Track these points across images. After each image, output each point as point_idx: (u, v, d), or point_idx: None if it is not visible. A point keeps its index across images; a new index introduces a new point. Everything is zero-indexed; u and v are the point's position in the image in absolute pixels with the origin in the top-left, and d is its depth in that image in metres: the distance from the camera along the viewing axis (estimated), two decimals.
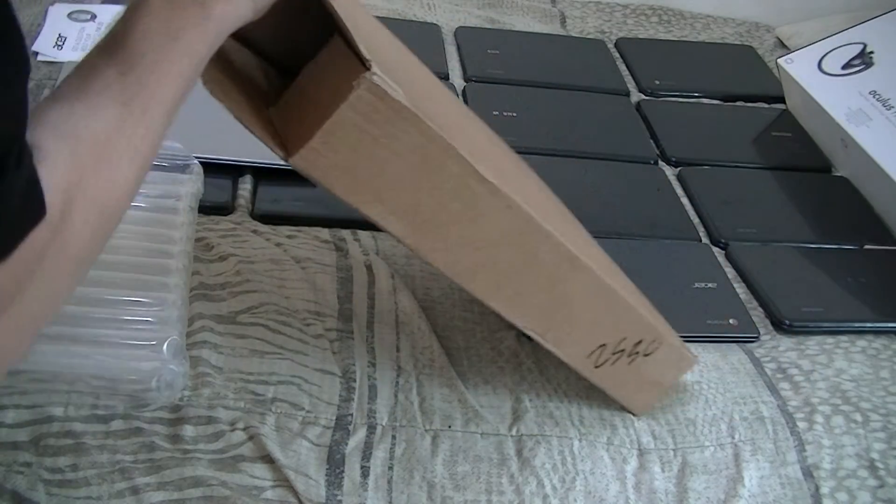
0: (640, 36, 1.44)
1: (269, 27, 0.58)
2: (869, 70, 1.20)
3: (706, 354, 0.86)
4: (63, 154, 0.45)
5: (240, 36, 0.58)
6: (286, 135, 0.59)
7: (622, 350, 0.75)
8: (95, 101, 0.47)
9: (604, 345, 0.74)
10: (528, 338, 0.75)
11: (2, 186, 0.39)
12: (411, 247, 0.65)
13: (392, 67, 0.66)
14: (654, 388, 0.79)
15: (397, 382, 0.78)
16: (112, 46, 0.50)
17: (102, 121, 0.47)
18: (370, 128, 0.56)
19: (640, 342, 0.75)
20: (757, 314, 0.94)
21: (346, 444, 0.73)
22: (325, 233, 0.93)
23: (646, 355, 0.76)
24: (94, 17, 1.17)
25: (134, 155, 0.48)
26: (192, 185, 0.88)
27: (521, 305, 0.71)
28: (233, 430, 0.71)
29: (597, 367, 0.75)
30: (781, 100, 1.30)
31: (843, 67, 1.21)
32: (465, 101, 1.19)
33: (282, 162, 0.59)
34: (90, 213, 0.46)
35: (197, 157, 0.90)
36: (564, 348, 0.74)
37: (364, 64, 0.54)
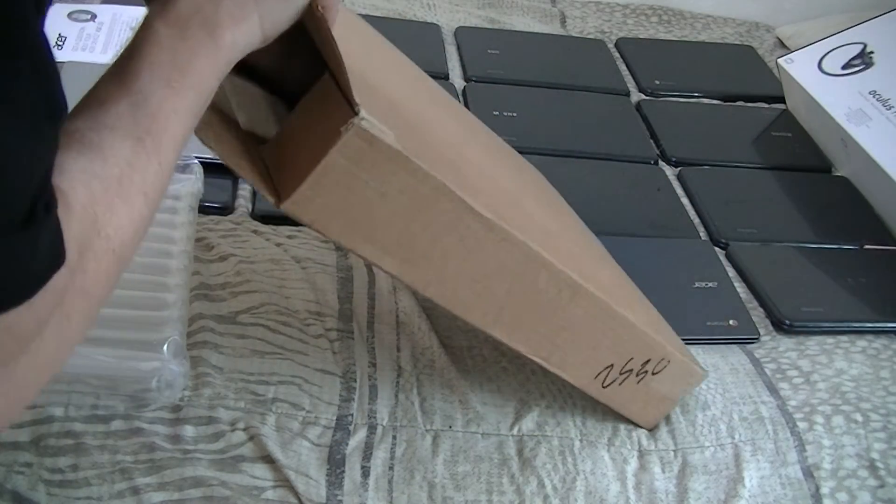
0: (640, 36, 1.44)
1: (271, 51, 0.58)
2: (869, 70, 1.20)
3: (706, 355, 0.86)
4: (79, 196, 0.44)
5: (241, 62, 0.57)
6: (278, 178, 0.58)
7: (630, 370, 0.75)
8: (109, 138, 0.46)
9: (611, 366, 0.74)
10: None
11: (32, 232, 0.39)
12: (405, 283, 0.65)
13: (384, 95, 0.66)
14: (662, 402, 0.79)
15: (398, 382, 0.78)
16: (122, 77, 0.48)
17: (116, 158, 0.46)
18: (360, 172, 0.56)
19: (647, 361, 0.75)
20: (757, 314, 0.94)
21: (347, 445, 0.73)
22: None
23: (654, 374, 0.76)
24: (94, 16, 1.17)
25: (147, 190, 0.48)
26: (192, 185, 0.88)
27: (521, 333, 0.70)
28: (233, 431, 0.71)
29: (604, 387, 0.75)
30: (781, 100, 1.30)
31: (843, 67, 1.21)
32: (465, 102, 1.19)
33: None
34: (105, 254, 0.45)
35: (197, 157, 0.90)
36: (570, 371, 0.74)
37: (352, 108, 0.54)
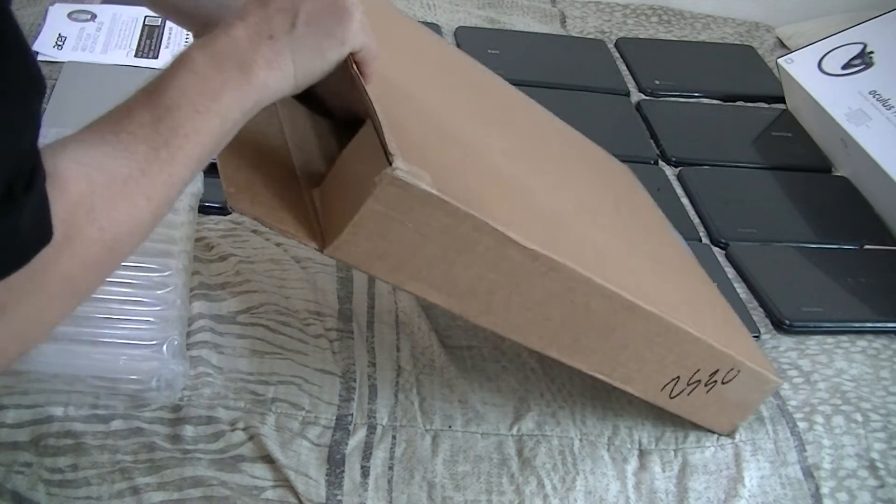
0: (640, 36, 1.44)
1: (331, 84, 0.59)
2: (869, 70, 1.19)
3: None
4: (78, 181, 0.46)
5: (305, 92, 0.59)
6: (325, 222, 0.61)
7: (698, 381, 0.74)
8: (126, 140, 0.48)
9: (677, 378, 0.73)
10: None
11: (11, 210, 0.40)
12: (457, 314, 0.66)
13: (429, 117, 0.67)
14: (737, 409, 0.78)
15: (397, 382, 0.78)
16: (152, 94, 0.50)
17: (127, 159, 0.48)
18: (398, 216, 0.58)
19: (716, 372, 0.74)
20: (757, 314, 0.94)
21: (347, 444, 0.73)
22: None
23: (724, 383, 0.75)
24: (94, 16, 1.17)
25: (152, 197, 0.49)
26: (192, 184, 0.88)
27: (580, 353, 0.70)
28: (233, 430, 0.71)
29: (672, 398, 0.75)
30: (781, 100, 1.30)
31: (843, 67, 1.21)
32: None
33: None
34: (96, 244, 0.47)
35: None
36: (635, 385, 0.73)
37: (387, 157, 0.56)
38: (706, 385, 0.74)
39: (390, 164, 0.55)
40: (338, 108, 0.66)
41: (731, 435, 0.78)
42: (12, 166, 0.41)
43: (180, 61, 0.51)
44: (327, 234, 0.60)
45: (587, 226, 0.77)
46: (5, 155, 0.40)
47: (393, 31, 0.82)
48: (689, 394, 0.74)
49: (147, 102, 0.50)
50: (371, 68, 0.58)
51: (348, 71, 0.58)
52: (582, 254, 0.68)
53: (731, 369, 0.74)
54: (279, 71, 0.53)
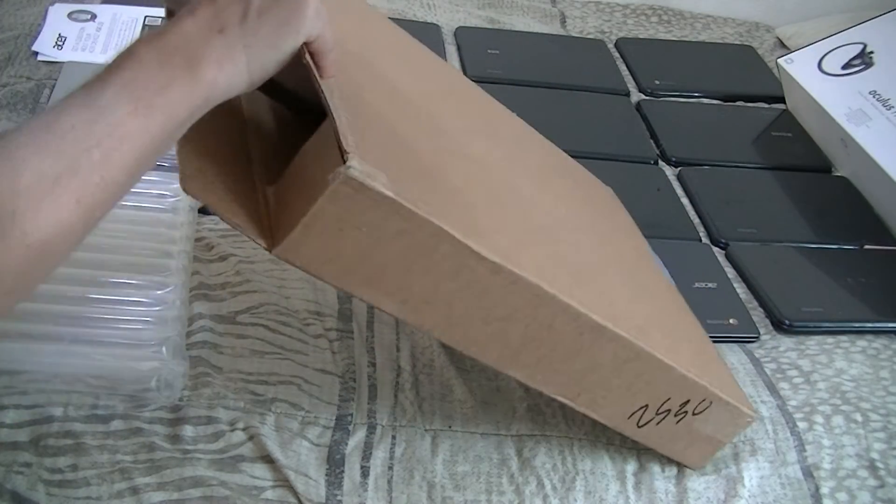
0: (640, 36, 1.44)
1: (299, 75, 0.56)
2: (869, 70, 1.20)
3: None
4: (1, 180, 0.44)
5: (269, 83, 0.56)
6: (276, 221, 0.58)
7: (667, 410, 0.72)
8: (58, 141, 0.46)
9: (645, 406, 0.71)
10: None
11: None
12: (411, 325, 0.63)
13: (399, 113, 0.64)
14: (708, 443, 0.75)
15: (397, 382, 0.78)
16: (91, 90, 0.48)
17: (56, 160, 0.45)
18: (351, 218, 0.55)
19: (687, 402, 0.72)
20: (757, 314, 0.94)
21: (346, 444, 0.73)
22: None
23: (695, 414, 0.72)
24: (94, 16, 1.17)
25: (83, 199, 0.46)
26: None
27: (543, 374, 0.67)
28: (233, 430, 0.71)
29: (640, 426, 0.72)
30: (781, 100, 1.30)
31: (843, 67, 1.21)
32: None
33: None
34: (19, 248, 0.45)
35: None
36: (600, 411, 0.71)
37: (342, 155, 0.53)
38: (676, 415, 0.72)
39: (344, 162, 0.52)
40: (306, 101, 0.63)
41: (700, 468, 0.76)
42: None
43: (124, 57, 0.49)
44: (277, 233, 0.56)
45: (561, 242, 0.74)
46: None
47: (367, 26, 0.79)
48: (657, 423, 0.72)
49: (85, 100, 0.47)
50: (328, 60, 0.56)
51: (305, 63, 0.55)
52: (550, 269, 0.65)
53: (703, 400, 0.72)
54: (231, 66, 0.51)
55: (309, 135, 0.60)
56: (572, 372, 0.67)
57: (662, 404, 0.71)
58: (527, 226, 0.71)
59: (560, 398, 0.69)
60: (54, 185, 0.45)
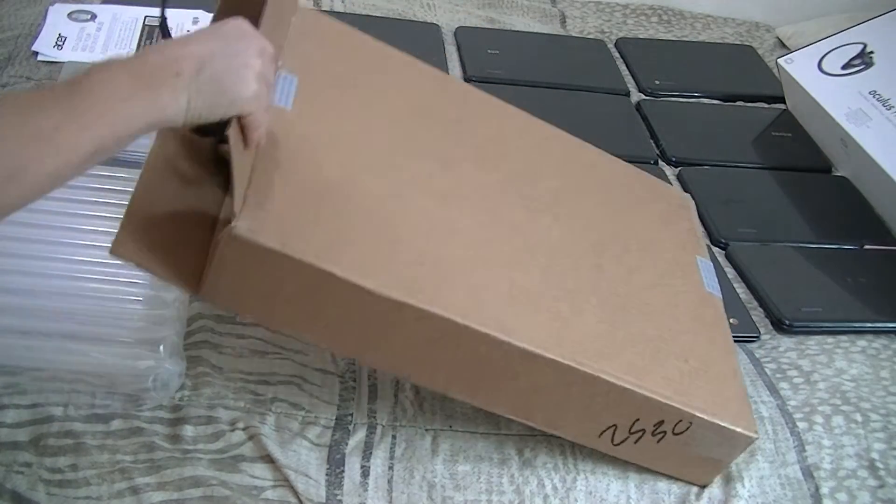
0: (640, 36, 1.44)
1: None
2: (869, 70, 1.20)
3: None
4: None
5: None
6: (207, 267, 0.63)
7: (641, 429, 0.71)
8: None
9: (614, 425, 0.71)
10: None
11: None
12: (338, 352, 0.67)
13: (327, 170, 0.68)
14: (706, 464, 0.74)
15: (397, 382, 0.78)
16: (70, 87, 0.52)
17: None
18: (251, 266, 0.62)
19: (660, 422, 0.71)
20: (757, 314, 0.94)
21: (346, 444, 0.73)
22: None
23: (676, 434, 0.72)
24: (94, 16, 1.17)
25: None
26: None
27: (485, 396, 0.69)
28: (233, 430, 0.71)
29: (616, 445, 0.72)
30: (781, 100, 1.30)
31: (843, 67, 1.21)
32: None
33: None
34: None
35: None
36: (564, 430, 0.72)
37: (231, 217, 0.60)
38: (654, 435, 0.72)
39: (230, 223, 0.60)
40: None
41: (704, 486, 0.75)
42: None
43: (100, 68, 0.54)
44: (202, 280, 0.63)
45: (522, 267, 0.73)
46: None
47: (376, 65, 0.82)
48: (635, 442, 0.72)
49: (58, 97, 0.51)
50: (252, 136, 0.61)
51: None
52: (478, 299, 0.67)
53: (680, 421, 0.71)
54: (175, 104, 0.56)
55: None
56: (515, 392, 0.69)
57: (632, 424, 0.71)
58: (472, 254, 0.71)
59: (514, 417, 0.71)
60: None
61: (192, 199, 0.66)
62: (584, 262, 0.77)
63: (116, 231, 0.61)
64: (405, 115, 0.78)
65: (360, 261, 0.63)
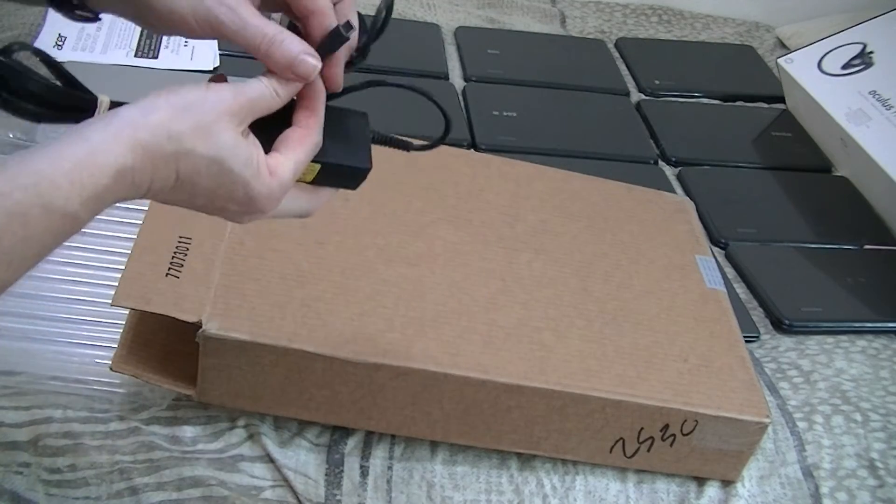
0: (640, 36, 1.44)
1: None
2: (869, 70, 1.19)
3: None
4: None
5: None
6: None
7: (650, 437, 0.71)
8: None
9: (621, 439, 0.71)
10: None
11: None
12: (340, 424, 0.72)
13: (305, 266, 0.72)
14: (728, 457, 0.73)
15: None
16: (53, 189, 0.43)
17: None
18: (232, 361, 0.67)
19: (666, 426, 0.71)
20: (757, 314, 0.94)
21: (346, 444, 0.73)
22: None
23: (685, 434, 0.71)
24: None
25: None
26: None
27: (482, 434, 0.71)
28: (232, 430, 0.71)
29: (629, 457, 0.73)
30: (781, 100, 1.30)
31: (843, 67, 1.21)
32: (465, 102, 1.18)
33: None
34: None
35: None
36: (574, 453, 0.72)
37: (200, 322, 0.65)
38: (664, 440, 0.72)
39: (201, 326, 0.65)
40: None
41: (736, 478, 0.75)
42: None
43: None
44: (196, 384, 0.68)
45: (497, 309, 0.74)
46: None
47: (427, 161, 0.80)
48: (648, 450, 0.72)
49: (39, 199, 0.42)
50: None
51: None
52: (453, 347, 0.69)
53: (685, 421, 0.71)
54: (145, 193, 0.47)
55: None
56: (514, 427, 0.71)
57: (639, 434, 0.71)
58: (446, 309, 0.73)
59: (521, 450, 0.72)
60: None
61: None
62: (567, 289, 0.79)
63: (116, 347, 0.68)
64: (375, 190, 0.77)
65: (332, 337, 0.67)
